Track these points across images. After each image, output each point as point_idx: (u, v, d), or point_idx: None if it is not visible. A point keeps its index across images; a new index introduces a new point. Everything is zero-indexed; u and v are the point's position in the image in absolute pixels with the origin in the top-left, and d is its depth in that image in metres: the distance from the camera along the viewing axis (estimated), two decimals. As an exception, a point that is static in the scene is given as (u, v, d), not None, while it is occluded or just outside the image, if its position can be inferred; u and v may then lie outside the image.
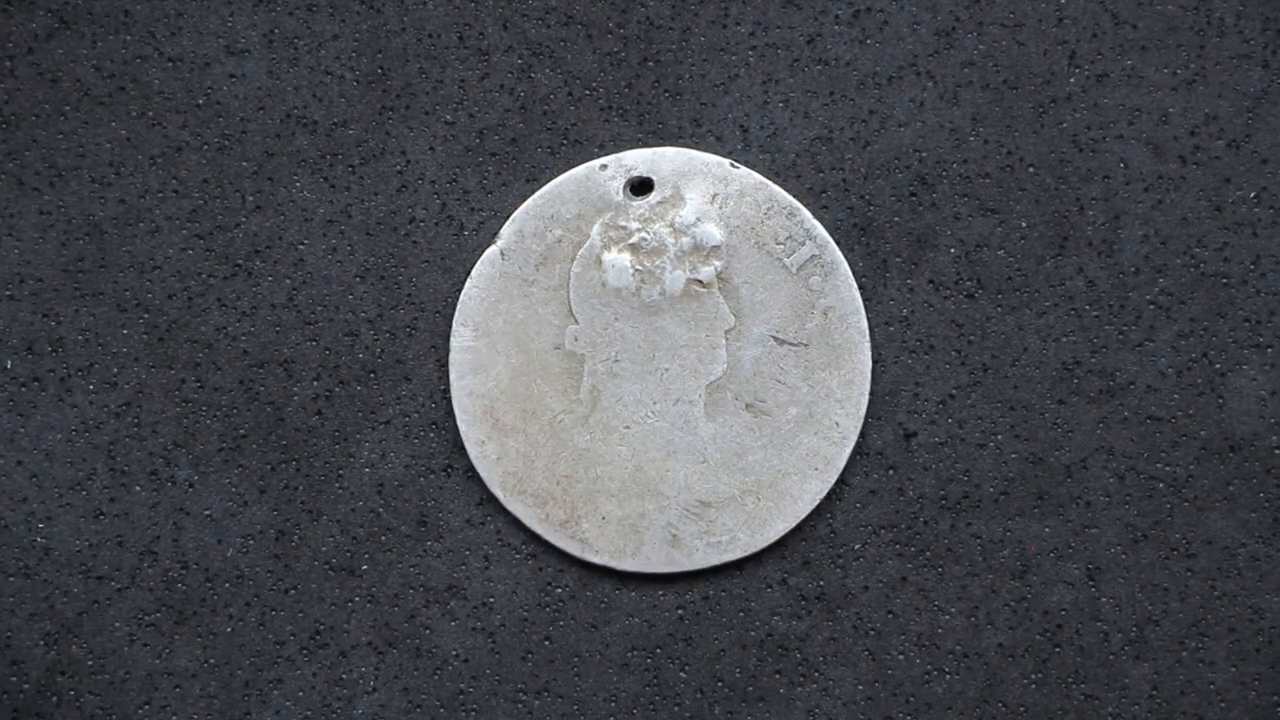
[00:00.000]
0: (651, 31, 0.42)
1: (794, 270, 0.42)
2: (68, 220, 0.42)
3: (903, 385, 0.42)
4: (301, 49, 0.42)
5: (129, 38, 0.42)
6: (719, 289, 0.42)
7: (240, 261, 0.42)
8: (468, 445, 0.42)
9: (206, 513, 0.42)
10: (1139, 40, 0.42)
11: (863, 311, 0.42)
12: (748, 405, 0.42)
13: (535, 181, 0.42)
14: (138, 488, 0.42)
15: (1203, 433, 0.42)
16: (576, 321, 0.42)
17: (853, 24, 0.42)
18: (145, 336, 0.42)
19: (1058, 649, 0.42)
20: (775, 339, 0.42)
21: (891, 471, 0.42)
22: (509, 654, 0.42)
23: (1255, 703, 0.42)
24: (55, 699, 0.42)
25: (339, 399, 0.42)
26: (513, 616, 0.42)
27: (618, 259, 0.42)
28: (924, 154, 0.42)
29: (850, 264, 0.42)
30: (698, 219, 0.42)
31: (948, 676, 0.42)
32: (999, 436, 0.42)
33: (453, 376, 0.42)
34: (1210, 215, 0.42)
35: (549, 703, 0.42)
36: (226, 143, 0.42)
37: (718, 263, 0.42)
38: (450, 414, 0.42)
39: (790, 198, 0.42)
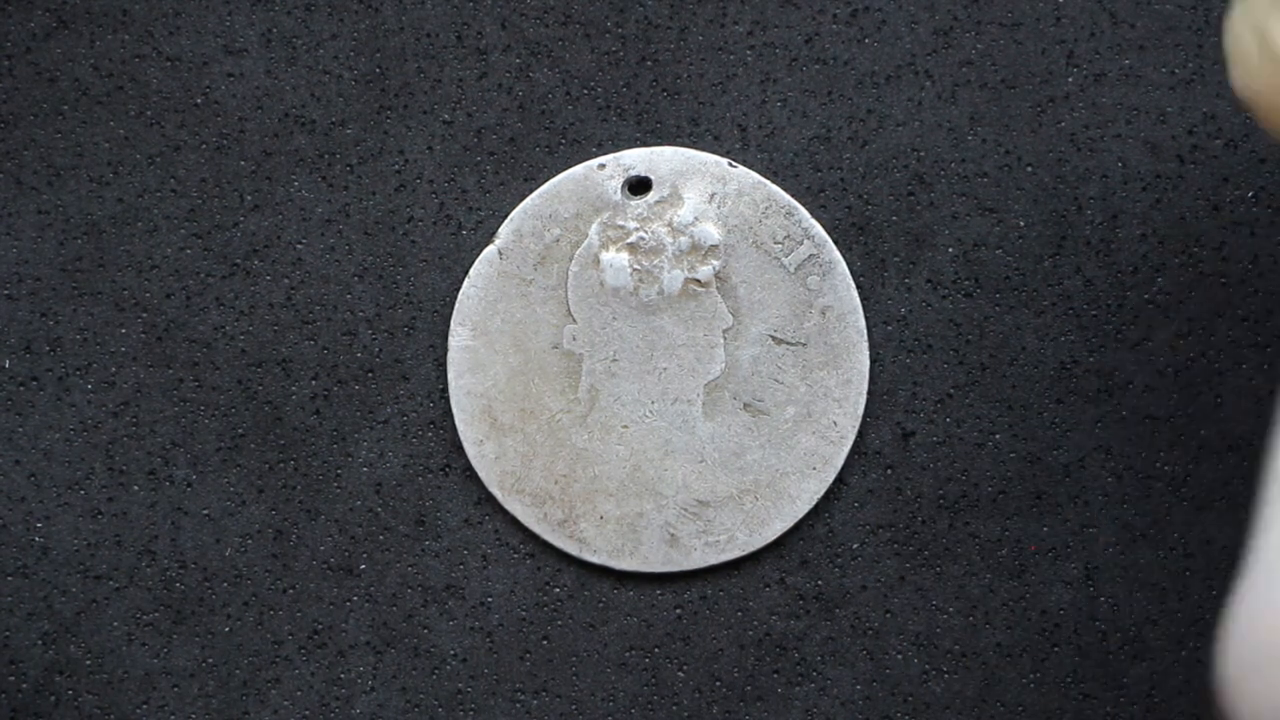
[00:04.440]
0: (649, 31, 0.42)
1: (792, 269, 0.42)
2: (66, 219, 0.42)
3: (901, 385, 0.42)
4: (300, 48, 0.42)
5: (127, 37, 0.42)
6: (717, 288, 0.42)
7: (238, 261, 0.42)
8: (466, 445, 0.42)
9: (204, 512, 0.42)
10: (1137, 39, 0.42)
11: (861, 311, 0.42)
12: (746, 405, 0.42)
13: (533, 181, 0.42)
14: (136, 487, 0.42)
15: (1201, 432, 0.42)
16: (575, 321, 0.42)
17: (850, 23, 0.42)
18: (143, 336, 0.42)
19: (1056, 649, 0.42)
20: (773, 338, 0.42)
21: (889, 471, 0.42)
22: (507, 653, 0.42)
23: (1253, 702, 0.42)
24: (53, 698, 0.42)
25: (337, 398, 0.42)
26: (511, 616, 0.42)
27: (616, 258, 0.42)
28: (922, 153, 0.42)
29: (848, 263, 0.42)
30: (696, 218, 0.42)
31: (946, 676, 0.42)
32: (997, 436, 0.42)
33: (451, 376, 0.42)
34: (1208, 215, 0.42)
35: (547, 702, 0.42)
36: (225, 142, 0.42)
37: (716, 262, 0.42)
38: (448, 413, 0.42)
39: (788, 197, 0.42)
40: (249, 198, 0.42)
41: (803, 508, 0.42)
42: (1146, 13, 0.42)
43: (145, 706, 0.42)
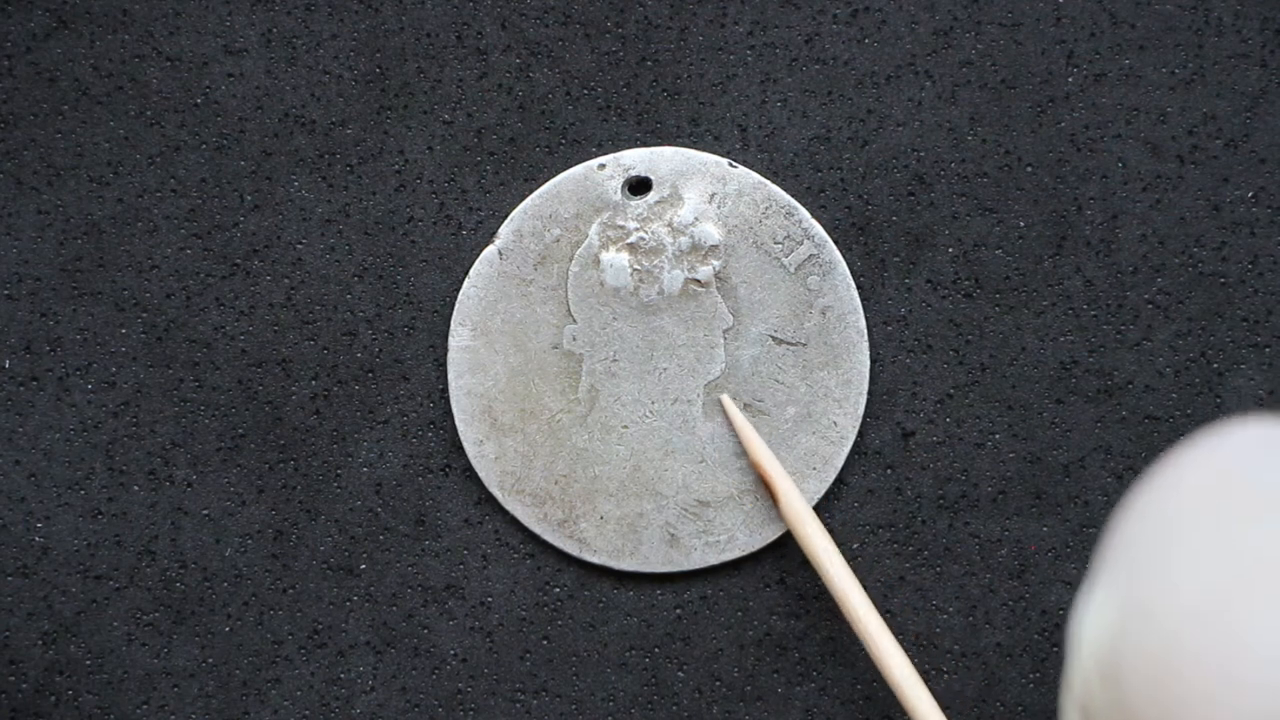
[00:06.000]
0: (650, 31, 0.42)
1: (792, 270, 0.42)
2: (66, 220, 0.42)
3: (901, 385, 0.42)
4: (300, 48, 0.42)
5: (127, 37, 0.42)
6: (717, 288, 0.42)
7: (238, 261, 0.42)
8: (466, 445, 0.42)
9: (205, 512, 0.42)
10: (1137, 40, 0.42)
11: (861, 311, 0.42)
12: (746, 405, 0.42)
13: (533, 181, 0.42)
14: (136, 487, 0.42)
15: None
16: (575, 321, 0.42)
17: (851, 23, 0.42)
18: (143, 336, 0.42)
19: (1056, 648, 0.42)
20: (773, 338, 0.42)
21: (889, 471, 0.42)
22: (507, 653, 0.42)
23: (1253, 702, 0.42)
24: (54, 698, 0.42)
25: (337, 398, 0.42)
26: (511, 616, 0.42)
27: (616, 258, 0.42)
28: (922, 153, 0.42)
29: (848, 263, 0.42)
30: (696, 218, 0.42)
31: (946, 676, 0.42)
32: (997, 436, 0.42)
33: (451, 376, 0.42)
34: (1208, 215, 0.42)
35: (547, 702, 0.42)
36: (225, 142, 0.42)
37: (716, 262, 0.42)
38: (448, 413, 0.42)
39: (788, 197, 0.42)
40: (249, 198, 0.42)
41: (803, 508, 0.42)
42: (1146, 13, 0.42)
43: (145, 706, 0.42)
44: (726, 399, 0.41)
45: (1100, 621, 0.29)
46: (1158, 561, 0.29)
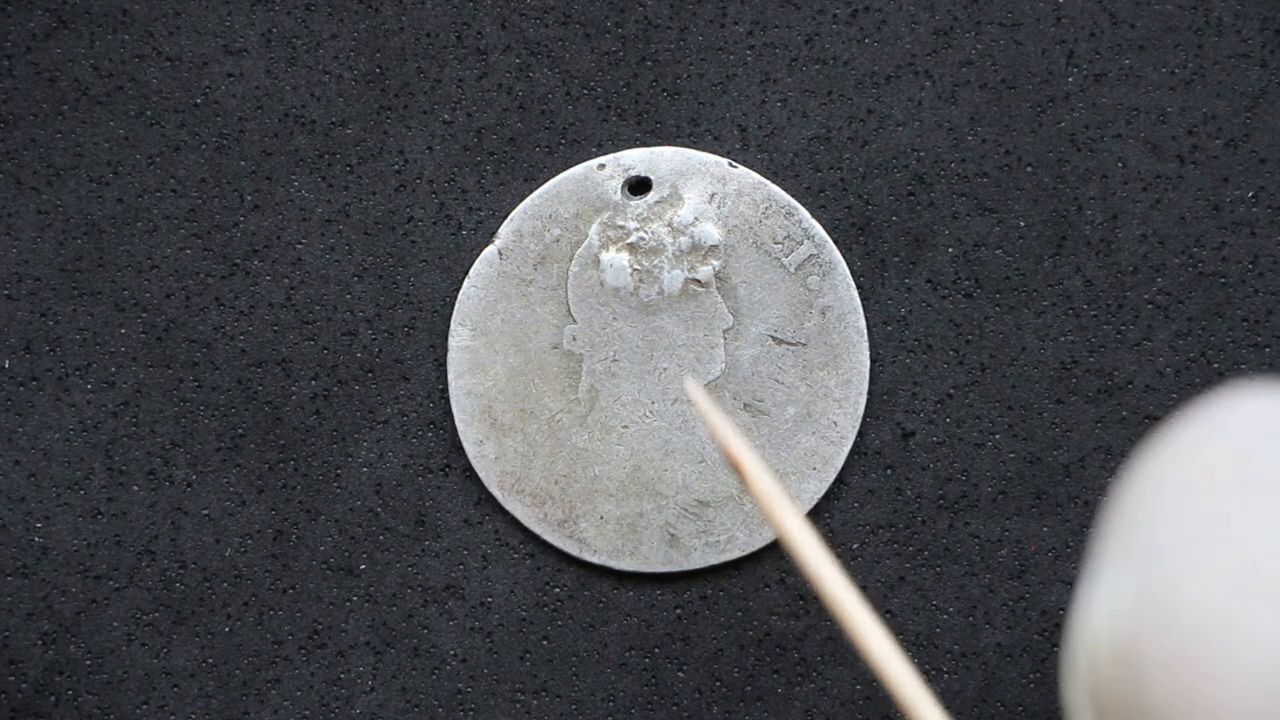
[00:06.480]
0: (649, 31, 0.42)
1: (792, 270, 0.42)
2: (66, 219, 0.42)
3: (901, 385, 0.42)
4: (299, 48, 0.42)
5: (127, 37, 0.42)
6: (717, 288, 0.42)
7: (238, 261, 0.42)
8: (466, 445, 0.42)
9: (204, 512, 0.42)
10: (1137, 40, 0.42)
11: (861, 311, 0.42)
12: (746, 405, 0.42)
13: (533, 181, 0.42)
14: (136, 487, 0.42)
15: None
16: (574, 321, 0.42)
17: (850, 23, 0.42)
18: (143, 336, 0.42)
19: (1056, 648, 0.42)
20: (773, 338, 0.42)
21: (889, 471, 0.42)
22: (507, 654, 0.42)
23: (1253, 702, 0.42)
24: (53, 698, 0.42)
25: (337, 398, 0.42)
26: (511, 616, 0.42)
27: (616, 258, 0.42)
28: (922, 153, 0.42)
29: (848, 263, 0.42)
30: (696, 218, 0.42)
31: (946, 676, 0.42)
32: (997, 436, 0.42)
33: (451, 376, 0.42)
34: (1208, 215, 0.42)
35: (547, 702, 0.42)
36: (224, 142, 0.42)
37: (716, 262, 0.42)
38: (448, 413, 0.42)
39: (788, 197, 0.42)
40: (249, 198, 0.42)
41: (803, 508, 0.42)
42: (1146, 13, 0.42)
43: (145, 707, 0.42)
44: (689, 382, 0.40)
45: (1112, 606, 0.29)
46: (1173, 547, 0.28)
